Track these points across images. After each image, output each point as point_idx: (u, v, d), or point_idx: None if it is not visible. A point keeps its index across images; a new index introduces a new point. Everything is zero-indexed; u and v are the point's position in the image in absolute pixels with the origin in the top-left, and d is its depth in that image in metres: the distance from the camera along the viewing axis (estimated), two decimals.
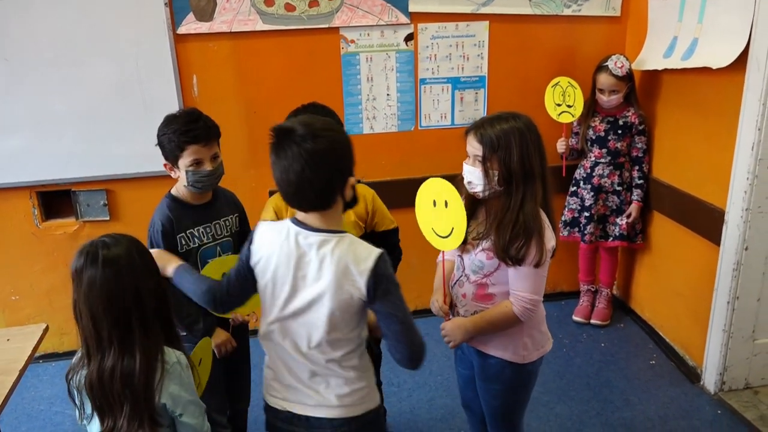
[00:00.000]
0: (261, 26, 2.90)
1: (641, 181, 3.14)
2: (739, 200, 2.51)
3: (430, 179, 1.76)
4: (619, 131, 3.08)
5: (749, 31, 2.34)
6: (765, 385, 2.79)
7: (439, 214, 1.76)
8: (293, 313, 1.48)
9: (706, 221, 2.74)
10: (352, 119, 3.13)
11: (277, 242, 1.48)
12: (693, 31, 2.67)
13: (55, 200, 3.11)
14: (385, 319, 1.47)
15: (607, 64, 2.95)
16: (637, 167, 3.14)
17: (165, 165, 1.96)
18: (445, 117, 3.21)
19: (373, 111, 3.14)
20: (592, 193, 3.17)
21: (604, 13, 3.16)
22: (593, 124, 3.13)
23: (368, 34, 3.01)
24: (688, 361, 2.96)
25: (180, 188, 2.00)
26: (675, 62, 2.74)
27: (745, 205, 2.49)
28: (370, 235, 2.17)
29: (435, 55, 3.11)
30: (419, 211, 1.81)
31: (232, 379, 2.18)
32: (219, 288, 1.58)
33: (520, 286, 1.76)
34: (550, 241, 1.76)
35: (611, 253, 3.37)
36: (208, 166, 1.91)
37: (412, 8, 2.99)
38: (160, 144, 1.92)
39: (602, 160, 3.14)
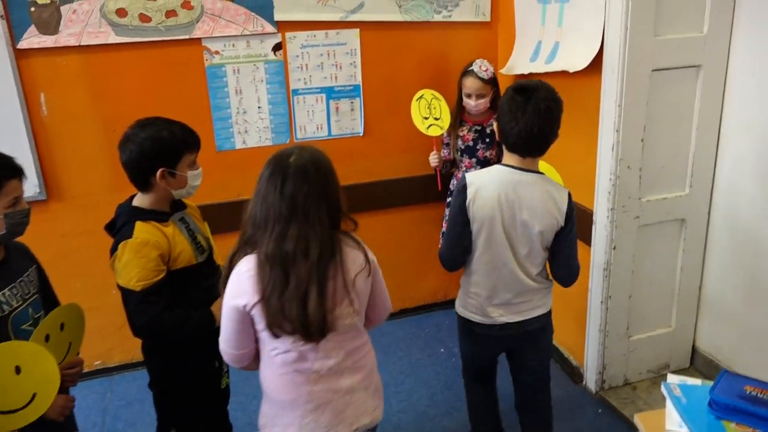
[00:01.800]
0: (114, 39, 2.71)
1: None
2: (604, 201, 2.55)
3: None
4: (487, 140, 3.00)
5: (602, 35, 2.37)
6: (642, 380, 2.86)
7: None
8: None
9: (579, 223, 2.75)
10: (223, 134, 2.99)
11: None
12: (554, 35, 2.70)
13: None
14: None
15: (472, 68, 2.89)
16: None
17: None
18: (322, 128, 3.11)
19: (245, 124, 3.00)
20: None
21: (474, 18, 3.16)
22: (461, 134, 3.04)
23: (233, 45, 2.88)
24: (572, 362, 2.99)
25: None
26: (540, 66, 2.76)
27: (609, 205, 2.53)
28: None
29: (306, 64, 3.01)
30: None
31: None
32: None
33: None
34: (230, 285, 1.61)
35: None
36: (25, 204, 1.68)
37: (278, 17, 2.88)
38: None
39: (473, 170, 3.04)
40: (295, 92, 3.03)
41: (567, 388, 2.89)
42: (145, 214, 1.83)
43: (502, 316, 2.02)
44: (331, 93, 3.08)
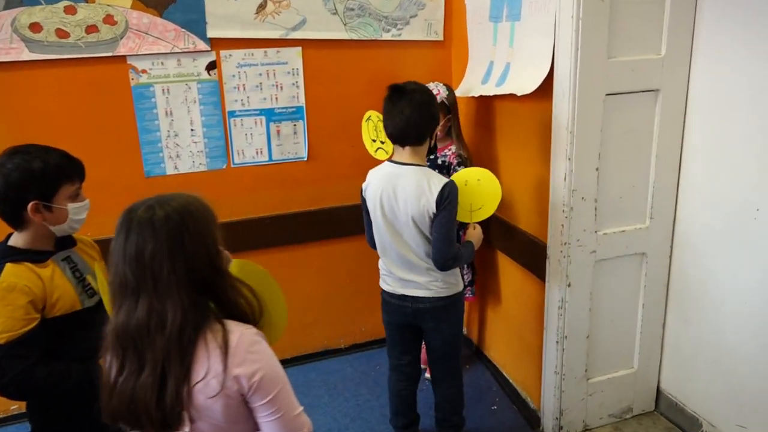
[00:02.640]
0: (27, 55, 2.48)
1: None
2: (557, 234, 2.36)
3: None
4: (436, 171, 2.60)
5: (551, 57, 2.19)
6: (603, 425, 2.65)
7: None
8: None
9: (533, 256, 2.57)
10: (152, 159, 2.76)
11: None
12: (506, 56, 2.52)
13: None
14: None
15: None
16: None
17: None
18: (262, 153, 2.90)
19: (176, 148, 2.78)
20: None
21: (426, 37, 2.98)
22: None
23: (162, 63, 2.66)
24: (530, 404, 2.78)
25: None
26: (490, 89, 2.58)
27: (563, 239, 2.33)
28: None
29: (243, 85, 2.80)
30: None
31: None
32: None
33: None
34: None
35: None
36: None
37: (210, 34, 2.67)
38: None
39: None
40: (232, 114, 2.82)
41: None
42: (18, 255, 1.61)
43: (399, 289, 2.27)
44: (271, 115, 2.88)
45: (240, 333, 1.24)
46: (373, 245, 2.30)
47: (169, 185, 2.81)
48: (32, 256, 1.61)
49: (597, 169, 2.27)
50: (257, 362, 1.24)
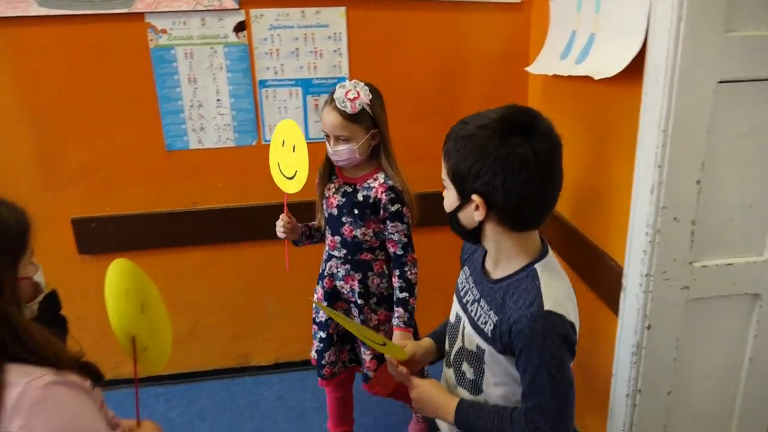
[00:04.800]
0: (36, 10, 2.22)
1: (403, 295, 1.99)
2: (637, 262, 1.80)
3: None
4: (356, 210, 1.94)
5: (645, 29, 1.62)
6: None
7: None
8: None
9: (606, 280, 2.04)
10: (173, 131, 2.45)
11: None
12: (591, 24, 1.95)
13: None
14: None
15: (335, 94, 1.86)
16: (397, 271, 2.00)
17: None
18: None
19: (201, 120, 2.45)
20: (325, 302, 2.09)
21: None
22: (327, 194, 2.02)
23: (184, 23, 2.32)
24: None
25: None
26: (569, 66, 2.02)
27: (645, 269, 1.78)
28: None
29: (277, 50, 2.41)
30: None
31: None
32: None
33: None
34: None
35: None
36: None
37: None
38: None
39: (335, 253, 2.04)
40: (263, 84, 2.45)
41: None
42: None
43: None
44: (309, 86, 2.47)
45: (23, 386, 1.00)
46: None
47: (193, 161, 2.51)
48: None
49: (698, 182, 1.68)
50: (45, 420, 1.01)
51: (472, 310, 1.31)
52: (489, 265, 1.30)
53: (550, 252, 1.27)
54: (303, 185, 1.89)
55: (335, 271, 2.05)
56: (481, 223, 1.20)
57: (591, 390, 2.25)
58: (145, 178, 2.51)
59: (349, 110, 1.83)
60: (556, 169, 1.18)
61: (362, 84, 1.89)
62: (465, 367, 1.34)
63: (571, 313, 1.19)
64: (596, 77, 1.75)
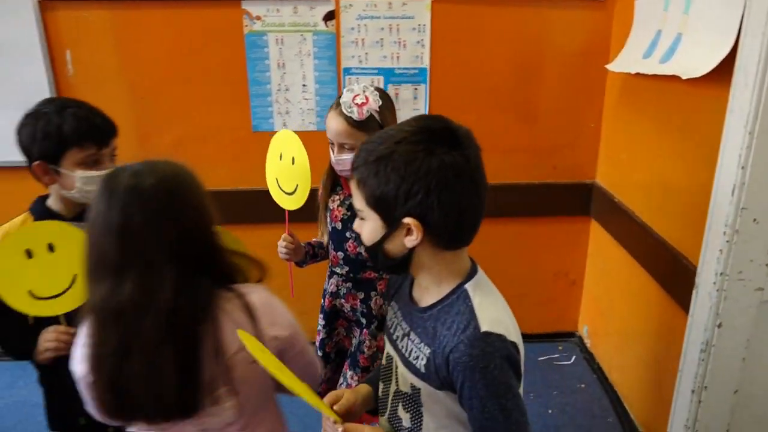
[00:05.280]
0: None
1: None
2: (713, 260, 1.83)
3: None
4: (349, 225, 1.81)
5: (737, 30, 1.64)
6: None
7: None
8: None
9: (677, 278, 2.07)
10: (261, 113, 2.59)
11: None
12: (678, 24, 1.98)
13: None
14: None
15: (342, 98, 1.70)
16: None
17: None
18: None
19: (286, 104, 2.58)
20: (323, 321, 1.98)
21: None
22: (331, 206, 1.88)
23: (278, 10, 2.44)
24: None
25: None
26: (652, 65, 2.05)
27: (720, 268, 1.81)
28: None
29: (363, 39, 2.51)
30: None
31: None
32: None
33: None
34: None
35: None
36: None
37: None
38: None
39: (337, 270, 1.90)
40: (347, 71, 2.55)
41: None
42: (42, 210, 1.51)
43: None
44: (390, 75, 2.57)
45: (256, 293, 1.12)
46: None
47: None
48: (51, 218, 1.47)
49: None
50: (283, 316, 1.16)
51: (402, 346, 1.15)
52: (417, 293, 1.14)
53: (480, 269, 1.12)
54: (305, 201, 1.75)
55: (335, 289, 1.91)
56: (411, 249, 1.04)
57: (654, 385, 2.29)
58: (232, 156, 2.66)
59: (355, 116, 1.66)
60: (484, 174, 1.05)
61: (372, 88, 1.72)
62: (401, 412, 1.16)
63: (512, 332, 1.05)
64: (684, 77, 1.78)
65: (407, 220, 1.00)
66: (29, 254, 1.33)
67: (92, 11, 2.42)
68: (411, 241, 1.02)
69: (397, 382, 1.17)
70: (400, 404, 1.16)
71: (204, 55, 2.50)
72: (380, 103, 1.70)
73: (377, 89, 1.73)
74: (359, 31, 2.49)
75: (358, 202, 1.05)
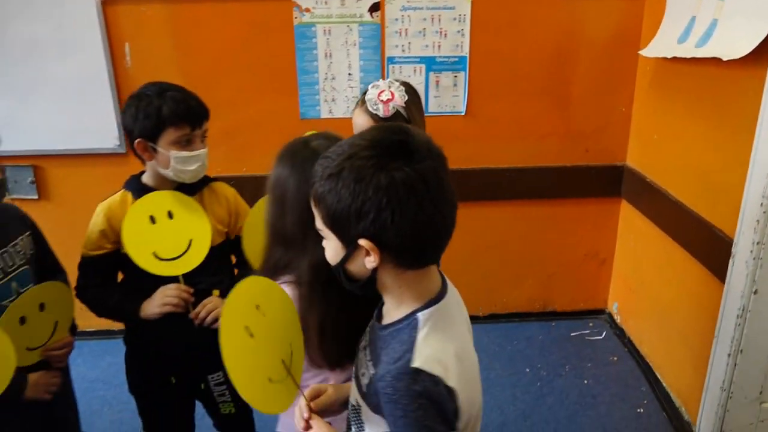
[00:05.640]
0: None
1: None
2: (749, 231, 1.97)
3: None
4: None
5: None
6: None
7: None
8: None
9: (712, 250, 2.20)
10: (308, 100, 2.72)
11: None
12: (713, 11, 2.10)
13: None
14: None
15: (367, 94, 1.71)
16: None
17: None
18: None
19: (332, 92, 2.71)
20: None
21: None
22: None
23: (326, 3, 2.57)
24: (683, 415, 2.45)
25: None
26: (688, 49, 2.18)
27: (756, 238, 1.94)
28: (234, 241, 1.72)
29: (406, 29, 2.64)
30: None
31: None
32: None
33: None
34: None
35: None
36: None
37: None
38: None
39: None
40: (391, 60, 2.68)
41: None
42: (138, 187, 1.64)
43: None
44: (432, 64, 2.70)
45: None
46: None
47: (323, 128, 2.76)
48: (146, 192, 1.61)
49: None
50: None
51: (359, 358, 1.09)
52: (384, 309, 1.06)
53: (448, 294, 1.03)
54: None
55: None
56: (374, 270, 0.95)
57: (688, 353, 2.42)
58: (279, 143, 2.74)
59: (381, 113, 1.66)
60: (446, 187, 0.94)
61: (398, 84, 1.71)
62: (352, 422, 1.10)
63: (452, 377, 0.94)
64: (724, 58, 1.91)
65: (362, 242, 0.91)
66: (153, 220, 1.47)
67: (150, 5, 2.55)
68: (370, 262, 0.93)
69: (352, 392, 1.11)
70: (351, 418, 1.10)
71: (255, 46, 2.63)
72: (406, 98, 1.68)
73: (403, 83, 1.72)
74: (402, 21, 2.62)
75: (318, 221, 0.97)
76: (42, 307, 1.50)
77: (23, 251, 1.56)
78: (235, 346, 1.00)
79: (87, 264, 1.64)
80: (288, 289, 1.14)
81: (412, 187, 0.88)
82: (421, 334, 0.95)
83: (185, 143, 1.60)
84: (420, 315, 0.97)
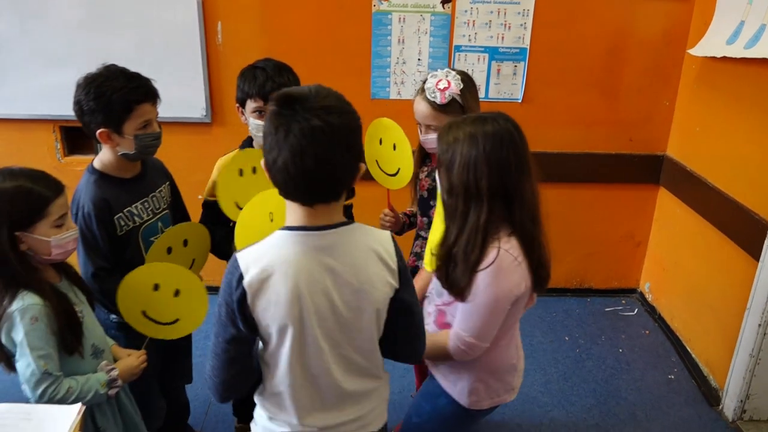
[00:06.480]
0: None
1: None
2: None
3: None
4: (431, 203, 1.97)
5: None
6: None
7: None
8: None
9: (749, 232, 2.45)
10: (379, 82, 2.97)
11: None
12: (762, 16, 2.34)
13: (79, 136, 3.13)
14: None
15: (426, 83, 1.82)
16: None
17: (100, 133, 1.63)
18: (479, 90, 2.99)
19: (402, 75, 2.97)
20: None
21: None
22: (421, 176, 2.01)
23: None
24: (711, 382, 2.71)
25: (107, 160, 1.71)
26: (737, 50, 2.42)
27: None
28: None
29: (473, 21, 2.88)
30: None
31: (172, 359, 2.02)
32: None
33: (459, 323, 1.52)
34: (504, 280, 1.44)
35: None
36: (156, 128, 1.70)
37: None
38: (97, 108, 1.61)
39: (422, 233, 2.06)
40: (458, 48, 2.93)
41: (699, 408, 2.63)
42: (245, 145, 2.01)
43: None
44: (494, 53, 2.94)
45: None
46: (226, 391, 1.27)
47: (391, 109, 3.01)
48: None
49: None
50: None
51: None
52: None
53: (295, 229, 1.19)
54: (407, 182, 1.93)
55: (419, 250, 2.07)
56: None
57: (718, 327, 2.67)
58: None
59: (438, 101, 1.77)
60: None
61: (454, 73, 1.82)
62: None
63: (253, 274, 1.14)
64: None
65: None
66: (240, 173, 1.71)
67: None
68: None
69: None
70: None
71: (336, 30, 2.88)
72: (461, 86, 1.80)
73: (460, 72, 1.83)
74: (471, 13, 2.87)
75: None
76: (185, 243, 1.78)
77: (165, 197, 1.87)
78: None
79: (205, 206, 1.95)
80: (513, 244, 1.50)
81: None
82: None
83: (258, 114, 1.85)
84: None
